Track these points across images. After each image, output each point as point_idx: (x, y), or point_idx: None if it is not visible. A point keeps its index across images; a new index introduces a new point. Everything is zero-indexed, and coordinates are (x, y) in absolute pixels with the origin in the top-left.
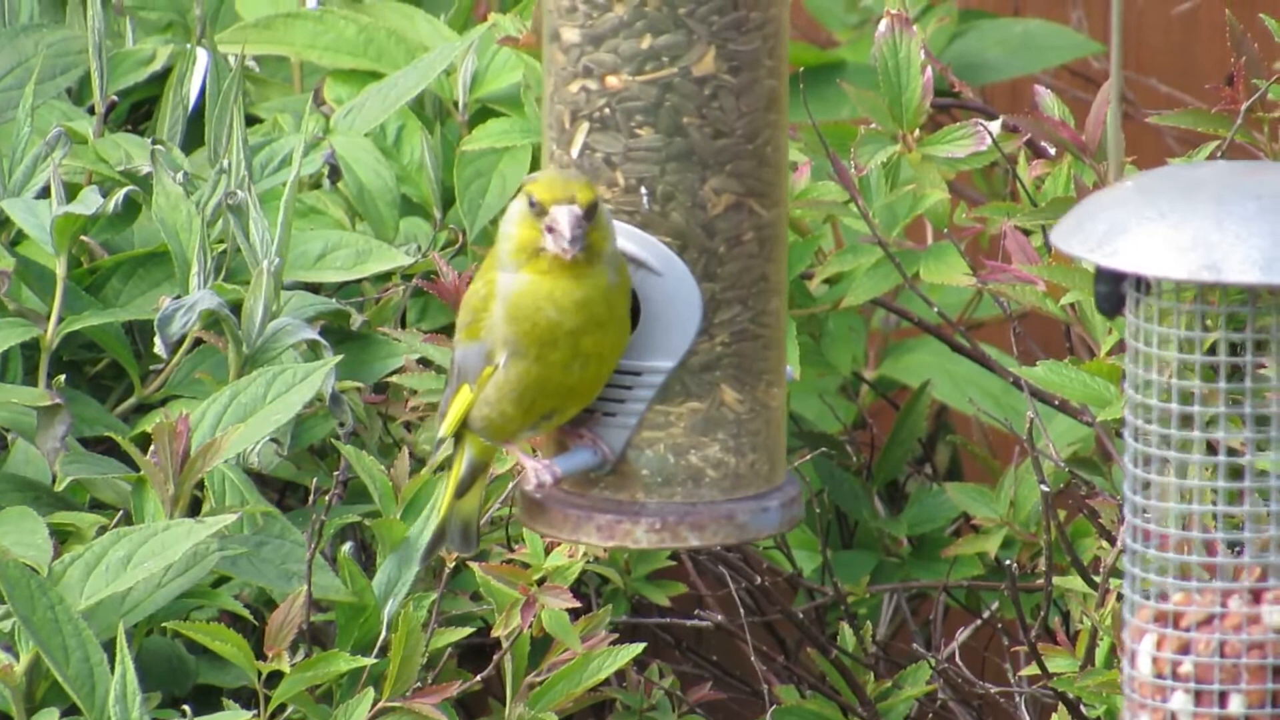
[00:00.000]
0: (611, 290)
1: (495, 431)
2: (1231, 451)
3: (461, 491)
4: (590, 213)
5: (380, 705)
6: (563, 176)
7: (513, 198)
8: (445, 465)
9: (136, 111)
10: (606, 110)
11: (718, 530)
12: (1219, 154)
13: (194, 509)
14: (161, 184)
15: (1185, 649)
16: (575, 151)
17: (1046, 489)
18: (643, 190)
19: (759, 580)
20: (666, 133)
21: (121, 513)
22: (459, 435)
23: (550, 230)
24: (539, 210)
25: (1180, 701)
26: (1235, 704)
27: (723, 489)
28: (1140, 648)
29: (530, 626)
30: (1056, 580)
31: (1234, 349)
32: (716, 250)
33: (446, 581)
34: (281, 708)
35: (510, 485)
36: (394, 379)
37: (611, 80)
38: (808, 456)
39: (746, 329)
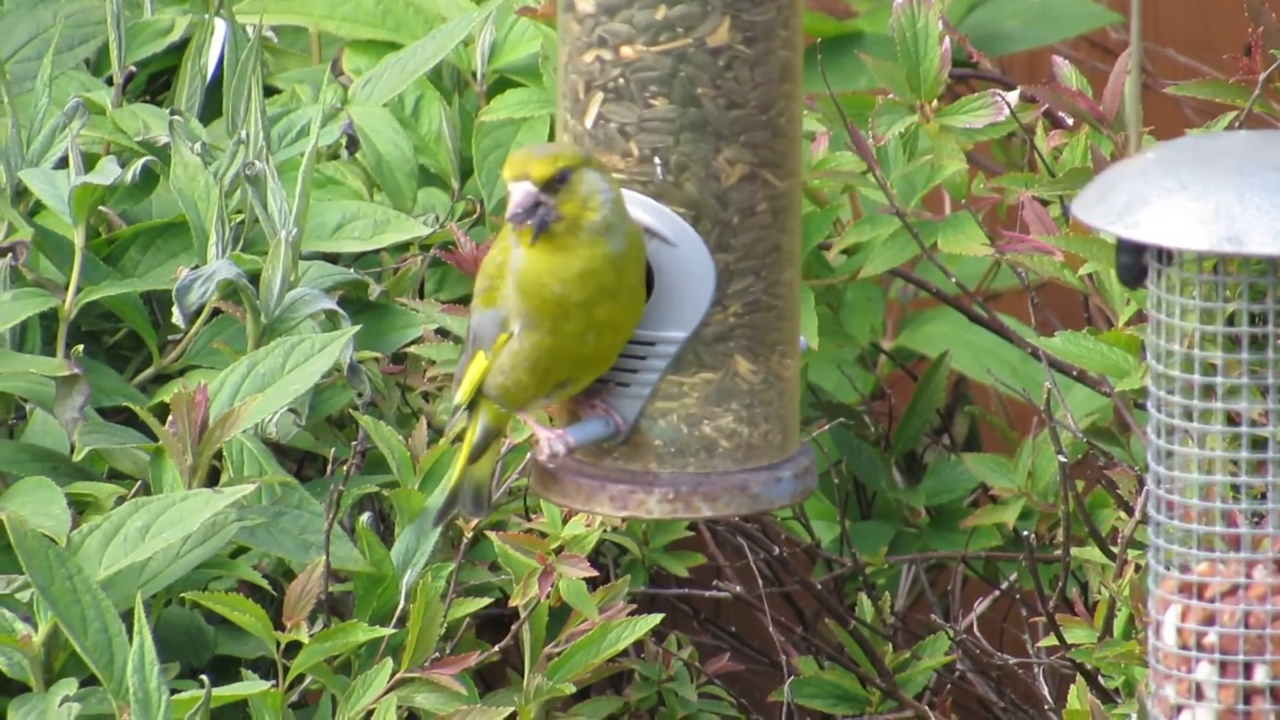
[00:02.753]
0: (618, 259)
1: (510, 399)
2: (1253, 422)
3: (475, 457)
4: (552, 186)
5: (398, 676)
6: (527, 152)
7: None
8: (462, 436)
9: (155, 82)
10: (621, 80)
11: (731, 500)
12: (1237, 124)
13: (212, 479)
14: (179, 154)
15: (1210, 620)
16: (589, 122)
17: (1064, 459)
18: (656, 161)
19: (777, 551)
20: (680, 103)
21: (140, 483)
22: (474, 401)
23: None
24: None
25: (1205, 672)
26: (1260, 675)
27: (736, 459)
28: (1165, 619)
29: (548, 597)
30: (1074, 551)
31: (1255, 320)
32: (730, 221)
33: (464, 552)
34: (300, 678)
35: (528, 456)
36: (412, 349)
37: (626, 50)
38: (826, 427)
39: (760, 300)
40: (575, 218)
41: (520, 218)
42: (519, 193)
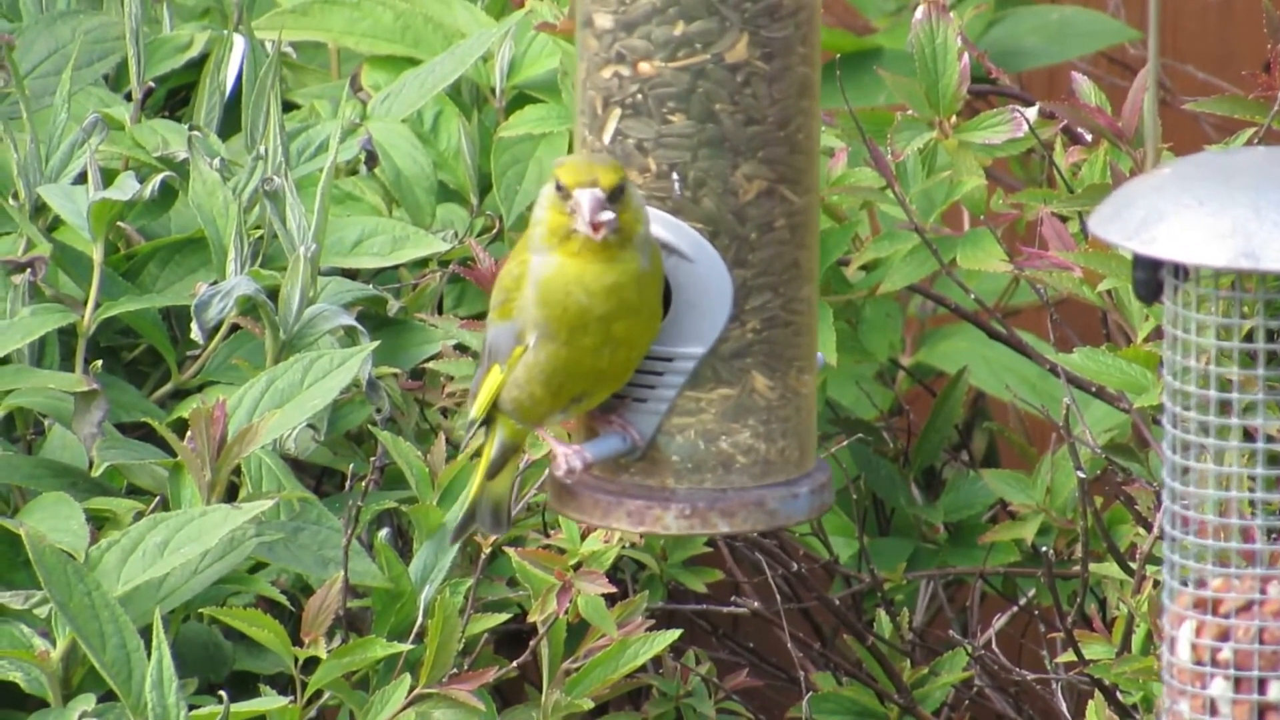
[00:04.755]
0: (643, 276)
1: (525, 413)
2: (1269, 438)
3: (493, 473)
4: (615, 195)
5: (416, 691)
6: (588, 160)
7: (546, 183)
8: (480, 452)
9: (173, 98)
10: (639, 96)
11: (748, 516)
12: (1256, 141)
13: (231, 495)
14: (198, 170)
15: (1224, 635)
16: (607, 137)
17: (1083, 475)
18: (674, 176)
19: (796, 567)
20: (698, 119)
21: (158, 498)
22: (490, 417)
23: (574, 213)
24: (564, 194)
25: (1220, 688)
26: (1275, 691)
27: (753, 475)
28: (1179, 634)
29: (566, 612)
30: (1093, 567)
31: (1272, 336)
32: (748, 237)
33: (483, 567)
34: (318, 694)
35: (546, 471)
36: (431, 365)
37: (644, 66)
38: (845, 443)
39: (777, 315)
40: (629, 228)
41: (602, 223)
42: (591, 199)
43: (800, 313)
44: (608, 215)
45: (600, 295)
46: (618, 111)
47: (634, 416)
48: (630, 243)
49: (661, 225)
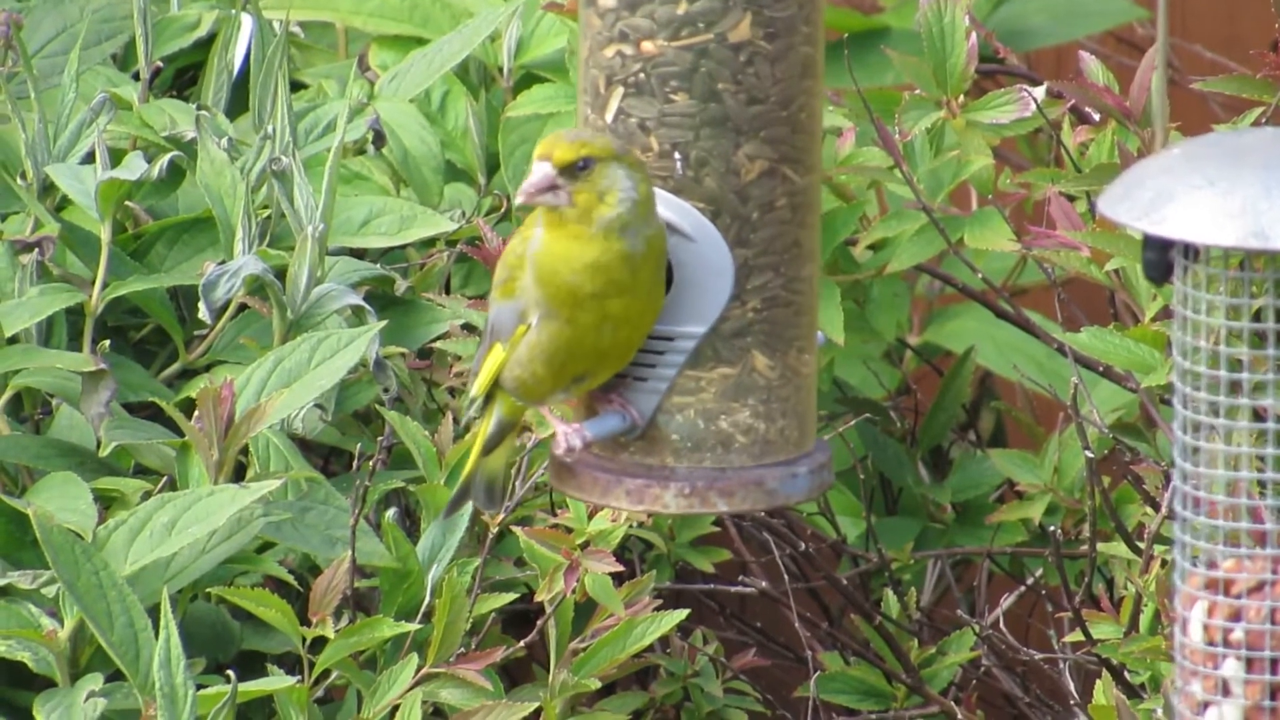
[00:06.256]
0: (633, 258)
1: (527, 392)
2: (1279, 418)
3: (489, 449)
4: (570, 171)
5: (424, 671)
6: (558, 134)
7: None
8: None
9: (181, 77)
10: (641, 75)
11: (747, 496)
12: (1264, 120)
13: (238, 474)
14: (206, 149)
15: (1236, 616)
16: (609, 116)
17: (1091, 455)
18: (676, 156)
19: (803, 546)
20: (701, 98)
21: (166, 478)
22: (490, 393)
23: None
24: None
25: (1232, 668)
26: None
27: (752, 455)
28: (1191, 615)
29: (574, 592)
30: (1101, 546)
31: None
32: (749, 216)
33: (490, 547)
34: (325, 673)
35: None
36: (438, 344)
37: (647, 45)
38: (852, 422)
39: (778, 295)
40: (587, 208)
41: (530, 196)
42: (537, 172)
43: (801, 292)
44: (546, 190)
45: (584, 273)
46: (620, 90)
47: (634, 395)
48: (591, 221)
49: (663, 204)
